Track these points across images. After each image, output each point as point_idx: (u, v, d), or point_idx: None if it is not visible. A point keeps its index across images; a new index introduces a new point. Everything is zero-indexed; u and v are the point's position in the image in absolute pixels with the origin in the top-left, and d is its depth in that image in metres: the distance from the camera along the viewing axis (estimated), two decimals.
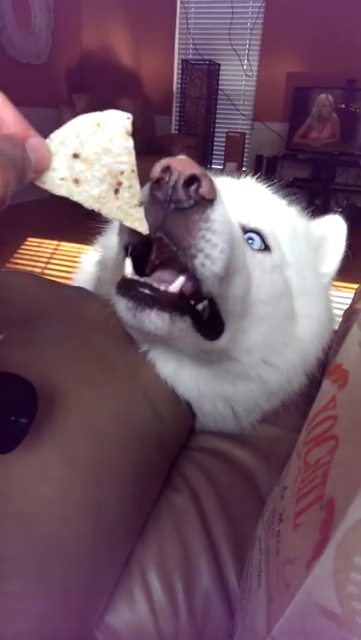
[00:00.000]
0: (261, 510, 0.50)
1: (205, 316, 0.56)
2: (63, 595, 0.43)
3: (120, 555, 0.53)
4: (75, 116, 0.37)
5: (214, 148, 4.97)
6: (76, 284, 0.87)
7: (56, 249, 3.22)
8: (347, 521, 0.24)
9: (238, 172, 0.82)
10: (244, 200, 0.66)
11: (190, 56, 4.94)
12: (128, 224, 0.38)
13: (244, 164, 4.65)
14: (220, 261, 0.50)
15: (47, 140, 0.36)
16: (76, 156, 0.36)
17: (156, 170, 0.47)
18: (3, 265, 2.91)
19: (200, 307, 0.54)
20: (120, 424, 0.56)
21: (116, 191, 0.37)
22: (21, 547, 0.42)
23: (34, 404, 0.42)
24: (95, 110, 0.38)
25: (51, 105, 4.68)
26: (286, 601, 0.28)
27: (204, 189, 0.47)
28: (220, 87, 4.87)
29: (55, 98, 4.73)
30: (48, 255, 3.13)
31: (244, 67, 4.80)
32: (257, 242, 0.63)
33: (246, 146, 4.75)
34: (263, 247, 0.63)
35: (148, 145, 4.74)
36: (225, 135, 4.59)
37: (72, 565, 0.45)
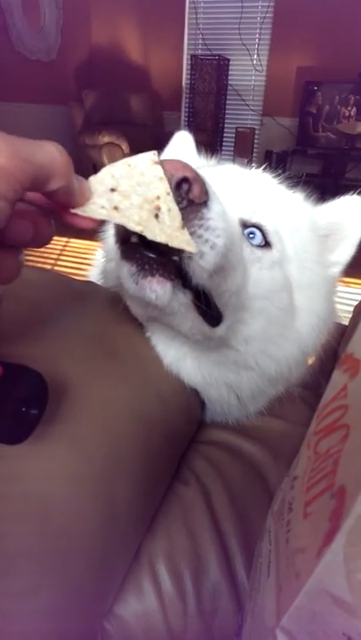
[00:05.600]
0: (270, 504, 0.50)
1: (204, 297, 0.55)
2: (74, 587, 0.44)
3: (129, 546, 0.53)
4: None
5: (224, 143, 4.95)
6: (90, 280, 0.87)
7: (66, 245, 3.24)
8: (358, 508, 0.24)
9: (248, 166, 0.81)
10: (248, 191, 0.66)
11: (199, 51, 4.92)
12: (175, 245, 0.39)
13: (253, 159, 4.63)
14: (210, 257, 0.49)
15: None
16: (113, 190, 0.38)
17: None
18: None
19: (194, 282, 0.54)
20: (129, 415, 0.56)
21: (156, 216, 0.38)
22: (32, 538, 0.42)
23: (44, 396, 0.42)
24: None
25: (60, 102, 4.70)
26: (296, 590, 0.28)
27: (194, 193, 0.47)
28: (230, 82, 4.85)
29: (64, 95, 4.74)
30: (58, 252, 3.15)
31: (254, 61, 4.77)
32: (258, 237, 0.62)
33: (256, 141, 4.73)
34: (264, 243, 0.63)
35: (156, 141, 4.74)
36: (234, 131, 4.57)
37: (82, 557, 0.45)
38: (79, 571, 0.44)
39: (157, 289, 0.51)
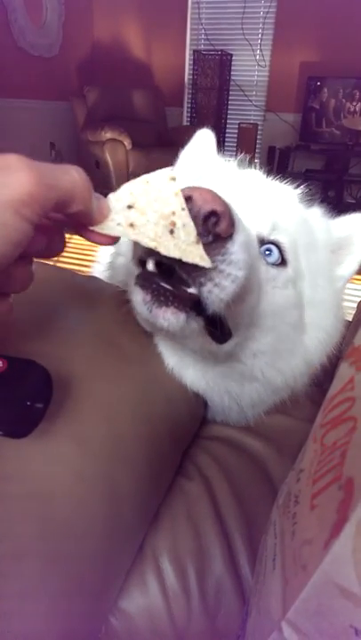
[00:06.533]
0: (273, 498, 0.50)
1: (215, 321, 0.55)
2: (78, 576, 0.44)
3: (133, 539, 0.53)
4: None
5: (226, 139, 4.93)
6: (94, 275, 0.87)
7: (68, 242, 3.23)
8: None
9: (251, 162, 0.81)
10: (268, 204, 0.65)
11: (202, 46, 4.90)
12: (189, 260, 0.40)
13: (256, 155, 4.61)
14: (230, 289, 0.49)
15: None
16: (130, 206, 0.39)
17: None
18: None
19: (209, 312, 0.54)
20: (133, 410, 0.56)
21: (171, 232, 0.39)
22: (36, 528, 0.42)
23: (49, 390, 0.42)
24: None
25: (62, 98, 4.69)
26: (303, 582, 0.28)
27: (221, 227, 0.45)
28: (233, 78, 4.83)
29: (67, 91, 4.73)
30: None
31: (257, 57, 4.75)
32: (274, 254, 0.61)
33: (259, 137, 4.71)
34: (280, 261, 0.62)
35: (159, 137, 4.73)
36: (237, 126, 4.56)
37: (86, 548, 0.45)
38: (82, 571, 0.44)
39: (171, 318, 0.50)
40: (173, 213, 0.39)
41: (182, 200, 0.39)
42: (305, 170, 4.44)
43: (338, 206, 0.79)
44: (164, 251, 0.39)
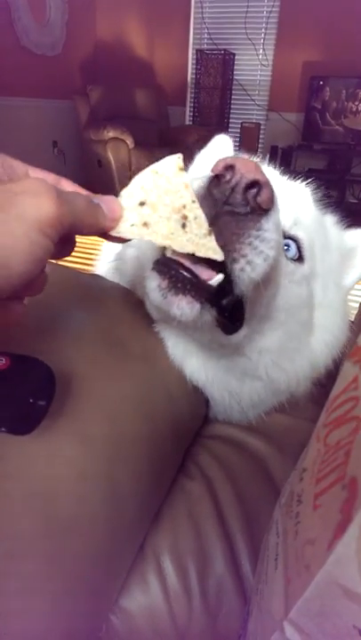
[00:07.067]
0: (275, 498, 0.50)
1: (228, 311, 0.55)
2: (80, 575, 0.44)
3: (135, 538, 0.53)
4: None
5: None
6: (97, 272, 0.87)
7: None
8: None
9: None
10: (290, 201, 0.65)
11: (205, 46, 4.89)
12: (202, 254, 0.40)
13: (258, 154, 4.60)
14: (261, 268, 0.48)
15: (118, 197, 0.40)
16: (142, 203, 0.39)
17: (219, 166, 0.45)
18: None
19: (225, 301, 0.53)
20: (135, 408, 0.56)
21: (183, 225, 0.39)
22: (38, 527, 0.42)
23: (52, 387, 0.42)
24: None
25: (65, 97, 4.68)
26: (306, 582, 0.28)
27: (262, 198, 0.45)
28: (235, 77, 4.82)
29: (69, 89, 4.72)
30: None
31: (260, 56, 4.74)
32: (292, 250, 0.61)
33: (261, 136, 4.71)
34: (298, 256, 0.62)
35: (161, 136, 4.72)
36: (240, 126, 4.55)
37: (88, 546, 0.45)
38: (84, 570, 0.44)
39: (185, 307, 0.49)
40: (184, 207, 0.39)
41: (192, 192, 0.39)
42: (307, 169, 4.43)
43: (340, 206, 0.79)
44: (177, 247, 0.39)
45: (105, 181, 4.23)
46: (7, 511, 0.42)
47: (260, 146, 4.69)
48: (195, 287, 0.48)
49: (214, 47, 4.77)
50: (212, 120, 4.71)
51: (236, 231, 0.46)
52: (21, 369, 0.40)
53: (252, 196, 0.45)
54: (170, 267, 0.48)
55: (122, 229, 0.39)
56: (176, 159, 0.40)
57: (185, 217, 0.39)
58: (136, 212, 0.39)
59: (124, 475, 0.51)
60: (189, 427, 0.68)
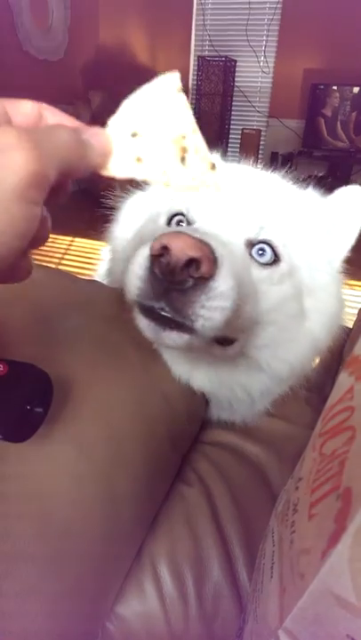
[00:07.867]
0: (273, 505, 0.50)
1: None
2: (76, 577, 0.44)
3: (131, 547, 0.53)
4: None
5: (229, 144, 4.95)
6: (96, 279, 0.87)
7: (70, 245, 3.24)
8: None
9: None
10: (255, 202, 0.64)
11: (206, 52, 4.91)
12: (204, 191, 0.35)
13: (259, 161, 4.62)
14: (220, 319, 0.49)
15: (105, 128, 0.35)
16: (134, 135, 0.34)
17: (155, 247, 0.45)
18: None
19: None
20: (132, 414, 0.56)
21: (183, 159, 0.34)
22: (35, 528, 0.43)
23: (49, 394, 0.43)
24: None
25: (66, 101, 4.69)
26: (300, 591, 0.28)
27: (203, 270, 0.46)
28: (236, 84, 4.84)
29: (71, 94, 4.74)
30: (62, 251, 3.15)
31: (261, 63, 4.76)
32: (268, 254, 0.61)
33: (262, 143, 4.72)
34: (273, 259, 0.62)
35: None
36: (240, 132, 4.56)
37: (85, 548, 0.45)
38: (80, 572, 0.44)
39: (176, 338, 0.51)
40: (184, 137, 0.34)
41: (192, 118, 0.34)
42: (308, 176, 4.44)
43: None
44: (176, 185, 0.34)
45: (106, 187, 4.24)
46: (4, 513, 0.42)
47: (260, 152, 4.71)
48: (177, 324, 0.50)
49: (216, 54, 4.79)
50: (213, 126, 4.73)
51: (187, 301, 0.47)
52: (18, 376, 0.40)
53: (194, 271, 0.46)
54: (152, 312, 0.50)
55: (112, 166, 0.34)
56: (174, 78, 0.34)
57: (184, 149, 0.34)
58: (127, 145, 0.34)
59: (121, 477, 0.51)
60: (187, 432, 0.68)
